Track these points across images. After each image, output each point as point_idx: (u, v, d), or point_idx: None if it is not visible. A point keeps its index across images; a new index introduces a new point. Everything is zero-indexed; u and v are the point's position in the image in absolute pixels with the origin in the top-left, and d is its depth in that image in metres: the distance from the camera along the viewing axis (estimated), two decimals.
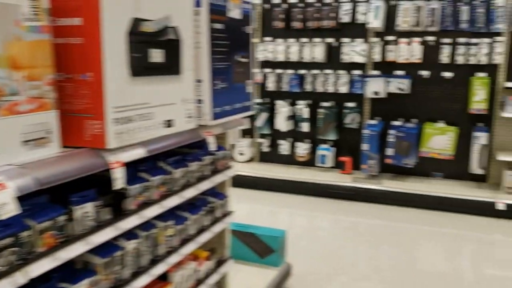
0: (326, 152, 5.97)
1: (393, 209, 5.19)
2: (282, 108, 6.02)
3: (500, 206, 4.86)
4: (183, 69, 2.03)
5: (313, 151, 6.08)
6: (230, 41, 2.33)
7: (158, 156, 2.13)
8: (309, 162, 6.09)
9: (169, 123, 1.95)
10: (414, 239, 4.52)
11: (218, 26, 2.22)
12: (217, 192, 2.62)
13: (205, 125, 2.22)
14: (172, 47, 1.95)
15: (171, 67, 1.95)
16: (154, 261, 2.06)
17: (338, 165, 5.89)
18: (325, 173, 5.85)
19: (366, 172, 5.59)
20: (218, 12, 2.21)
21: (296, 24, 5.83)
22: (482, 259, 4.18)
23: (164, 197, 2.08)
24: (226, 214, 2.65)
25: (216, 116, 2.25)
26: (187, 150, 2.45)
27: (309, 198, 5.52)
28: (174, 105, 1.98)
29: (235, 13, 2.35)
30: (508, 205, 4.84)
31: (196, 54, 2.12)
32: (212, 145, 2.24)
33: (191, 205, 2.42)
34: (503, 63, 5.17)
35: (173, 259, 2.17)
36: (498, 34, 5.13)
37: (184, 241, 2.27)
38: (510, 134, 5.30)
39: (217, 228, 2.54)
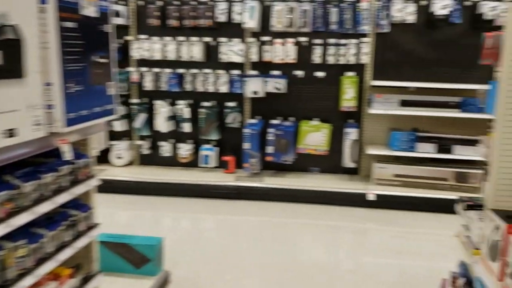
0: (209, 152, 5.93)
1: (275, 205, 5.31)
2: (162, 108, 5.85)
3: (371, 197, 5.20)
4: (27, 72, 1.83)
5: (196, 152, 6.00)
6: (85, 41, 2.16)
7: (4, 168, 1.91)
8: (192, 163, 6.00)
9: (11, 133, 1.75)
10: (295, 233, 4.66)
11: (69, 24, 2.04)
12: (80, 204, 2.43)
13: (58, 133, 2.03)
14: (11, 48, 1.74)
15: (10, 70, 1.75)
16: (2, 287, 1.84)
17: (222, 165, 5.89)
18: (209, 174, 5.81)
19: (249, 171, 5.65)
20: (69, 10, 2.04)
21: (172, 22, 5.70)
22: (358, 248, 4.44)
23: (11, 214, 1.86)
24: (91, 227, 2.47)
25: (71, 122, 2.07)
26: (43, 160, 2.24)
27: (193, 200, 5.44)
28: (17, 112, 1.78)
29: (90, 11, 2.19)
30: (378, 196, 5.19)
31: (43, 55, 1.93)
32: (66, 154, 2.05)
33: (49, 220, 2.21)
34: (369, 62, 5.52)
35: (27, 281, 1.97)
36: (364, 35, 5.47)
37: (41, 261, 2.07)
38: (377, 129, 5.69)
39: (80, 242, 2.36)
